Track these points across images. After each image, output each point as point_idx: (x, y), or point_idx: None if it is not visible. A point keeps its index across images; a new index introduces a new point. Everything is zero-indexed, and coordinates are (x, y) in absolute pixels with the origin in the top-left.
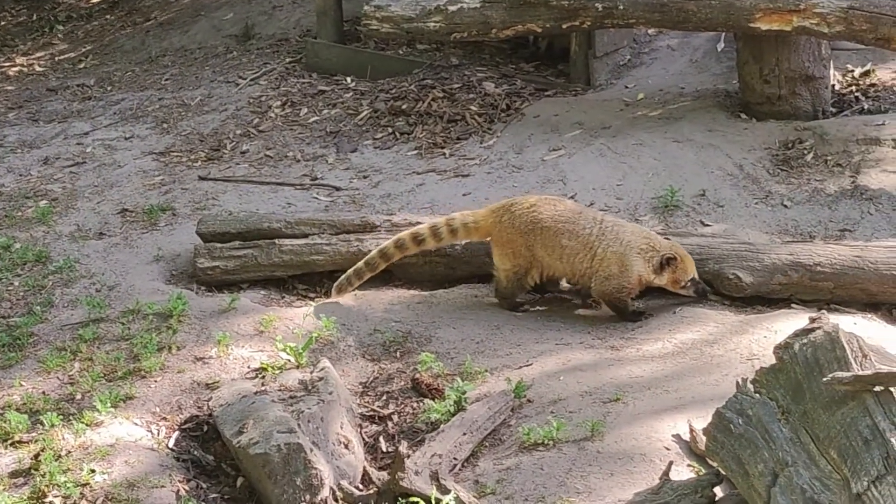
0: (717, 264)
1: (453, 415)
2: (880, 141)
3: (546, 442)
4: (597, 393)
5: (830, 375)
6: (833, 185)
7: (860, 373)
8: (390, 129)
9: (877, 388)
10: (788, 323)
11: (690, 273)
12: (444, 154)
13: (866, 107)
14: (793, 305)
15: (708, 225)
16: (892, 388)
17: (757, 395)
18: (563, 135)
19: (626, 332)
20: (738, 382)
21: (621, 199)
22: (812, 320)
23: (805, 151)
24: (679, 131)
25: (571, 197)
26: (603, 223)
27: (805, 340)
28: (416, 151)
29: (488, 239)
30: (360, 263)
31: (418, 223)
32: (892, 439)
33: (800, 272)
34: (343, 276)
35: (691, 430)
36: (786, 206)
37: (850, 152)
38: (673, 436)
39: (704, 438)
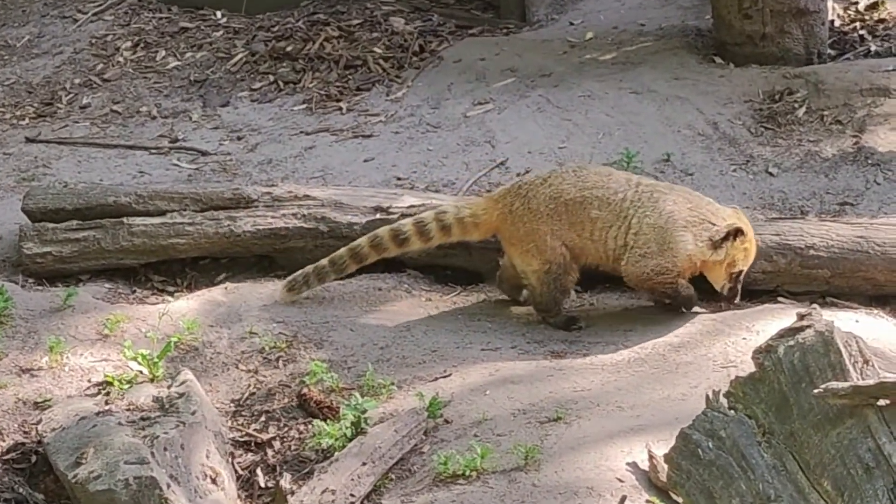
0: None
1: (350, 440)
2: (890, 91)
3: (468, 473)
4: (532, 411)
5: (823, 386)
6: (831, 146)
7: (860, 383)
8: (272, 78)
9: (881, 402)
10: (773, 321)
11: (748, 262)
12: (341, 109)
13: (873, 48)
14: (780, 299)
15: None
16: None
17: (732, 411)
18: (491, 84)
19: (569, 335)
20: (708, 396)
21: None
22: (801, 317)
23: (796, 105)
24: (637, 80)
25: (501, 163)
26: (639, 186)
27: (792, 343)
28: (304, 105)
29: (493, 237)
30: (325, 261)
31: (306, 196)
32: None
33: (788, 257)
34: (299, 273)
35: (651, 457)
36: (771, 173)
37: (853, 106)
38: (628, 464)
39: (666, 467)
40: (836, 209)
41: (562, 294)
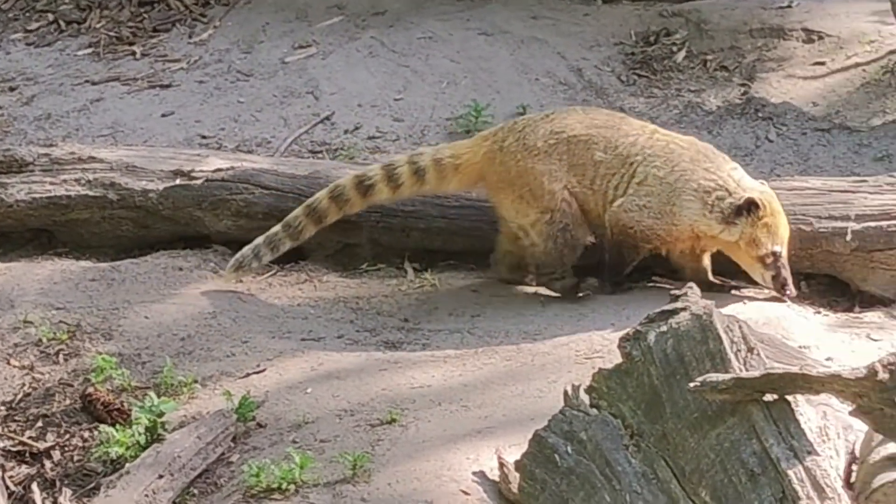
0: None
1: (144, 448)
2: (785, 32)
3: (285, 486)
4: (362, 411)
5: (700, 379)
6: (715, 97)
7: (743, 374)
8: (51, 17)
9: (767, 397)
10: (646, 304)
11: (779, 241)
12: (134, 54)
13: None
14: (654, 278)
15: None
16: (790, 397)
17: (594, 409)
18: (314, 24)
19: (406, 323)
20: (566, 391)
21: (401, 121)
22: (674, 298)
23: (674, 48)
24: (488, 19)
25: (327, 118)
26: (655, 135)
27: (664, 328)
28: (90, 50)
29: (477, 188)
30: (277, 227)
31: (92, 159)
32: (791, 472)
33: None
34: (247, 249)
35: (501, 465)
36: None
37: (741, 49)
38: (474, 473)
39: (518, 476)
40: None
41: (570, 251)
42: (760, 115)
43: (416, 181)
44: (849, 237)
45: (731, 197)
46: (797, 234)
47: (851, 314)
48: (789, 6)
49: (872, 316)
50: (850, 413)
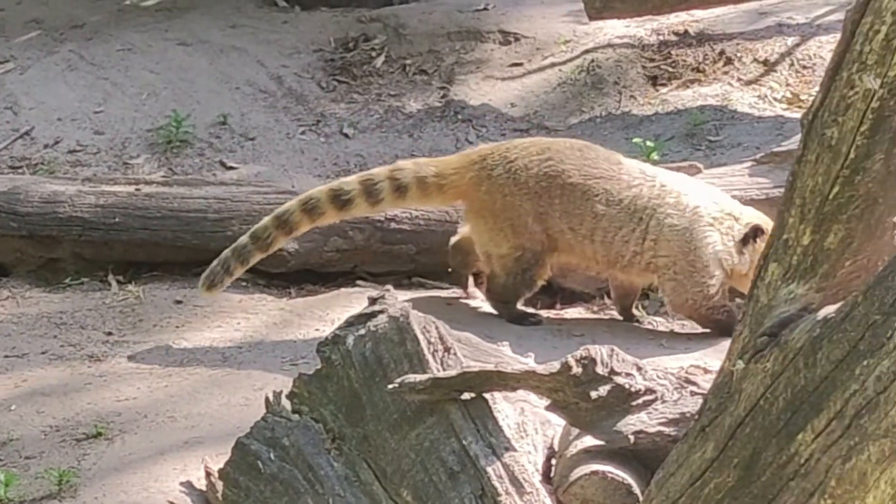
0: (244, 225)
1: None
2: (482, 34)
3: None
4: (68, 427)
5: (399, 380)
6: (415, 101)
7: (440, 374)
8: None
9: (465, 396)
10: (350, 308)
11: None
12: None
13: None
14: (358, 282)
15: (232, 167)
16: (488, 395)
17: (296, 415)
18: (11, 39)
19: (111, 336)
20: (267, 398)
21: (102, 134)
22: (372, 301)
23: (373, 53)
24: (186, 29)
25: (26, 133)
26: (656, 178)
27: (362, 331)
28: None
29: (457, 205)
30: (244, 238)
31: None
32: (490, 469)
33: (367, 232)
34: (215, 263)
35: (207, 474)
36: (346, 134)
37: (440, 52)
38: (182, 484)
39: (223, 484)
40: None
41: (527, 288)
42: (460, 117)
43: (397, 197)
44: None
45: (737, 223)
46: None
47: (553, 310)
48: (485, 9)
49: (573, 312)
50: (546, 408)
